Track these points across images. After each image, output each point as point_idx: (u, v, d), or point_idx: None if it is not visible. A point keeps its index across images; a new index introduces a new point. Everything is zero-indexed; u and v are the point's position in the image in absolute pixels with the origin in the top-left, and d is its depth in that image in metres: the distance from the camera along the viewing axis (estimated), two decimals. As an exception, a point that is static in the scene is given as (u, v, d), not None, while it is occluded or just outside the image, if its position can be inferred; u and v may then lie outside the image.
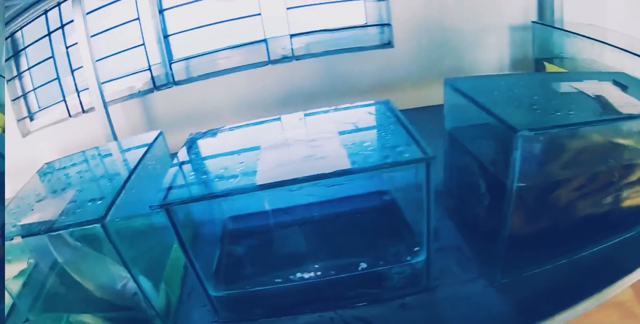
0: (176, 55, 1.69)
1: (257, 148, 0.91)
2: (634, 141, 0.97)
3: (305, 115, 1.07)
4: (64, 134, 1.70)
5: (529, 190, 0.89)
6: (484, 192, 0.95)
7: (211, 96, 1.66)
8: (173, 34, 1.65)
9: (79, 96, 1.71)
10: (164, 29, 1.67)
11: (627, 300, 1.72)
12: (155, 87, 1.66)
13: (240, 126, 1.08)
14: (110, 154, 1.14)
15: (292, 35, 1.64)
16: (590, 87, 1.01)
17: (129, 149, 1.14)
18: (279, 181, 0.76)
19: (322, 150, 0.86)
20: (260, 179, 0.76)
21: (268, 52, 1.63)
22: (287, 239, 1.04)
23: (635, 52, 1.38)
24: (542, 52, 1.74)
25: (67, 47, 1.69)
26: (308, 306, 0.91)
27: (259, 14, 1.60)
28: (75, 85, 1.69)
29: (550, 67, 1.68)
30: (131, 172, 0.92)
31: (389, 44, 1.69)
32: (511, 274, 0.95)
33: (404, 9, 1.66)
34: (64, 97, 1.70)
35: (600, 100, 0.94)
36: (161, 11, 1.66)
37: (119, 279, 0.83)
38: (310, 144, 0.91)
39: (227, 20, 1.61)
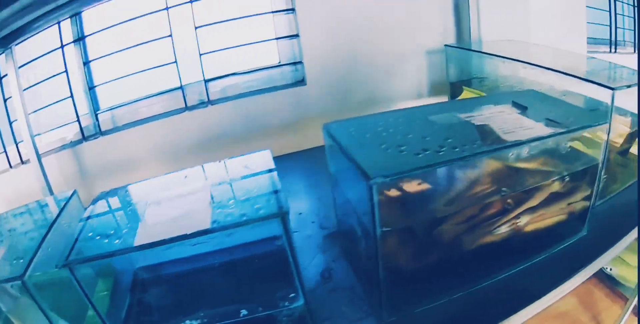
0: (103, 106, 1.68)
1: (144, 207, 0.95)
2: (527, 165, 0.97)
3: (204, 164, 1.11)
4: (7, 184, 1.70)
5: (401, 231, 0.89)
6: (360, 235, 0.95)
7: (136, 144, 1.67)
8: (96, 86, 1.65)
9: (17, 147, 1.69)
10: (90, 80, 1.67)
11: (571, 309, 1.72)
12: (84, 137, 1.65)
13: (143, 180, 1.11)
14: (33, 213, 1.17)
15: (206, 81, 1.64)
16: (481, 115, 1.01)
17: (47, 209, 1.18)
18: (144, 244, 0.80)
19: (193, 207, 0.90)
20: (138, 240, 0.81)
21: (185, 99, 1.63)
22: (179, 287, 1.06)
23: (544, 64, 1.38)
24: (457, 75, 1.74)
25: (4, 100, 1.69)
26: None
27: (175, 62, 1.60)
28: (14, 136, 1.68)
29: (467, 91, 1.68)
30: (46, 233, 0.97)
31: (302, 82, 1.69)
32: (400, 312, 0.95)
33: (315, 45, 1.66)
34: (4, 148, 1.70)
35: (483, 129, 0.94)
36: (86, 63, 1.66)
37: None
38: (186, 200, 0.94)
39: (145, 70, 1.61)
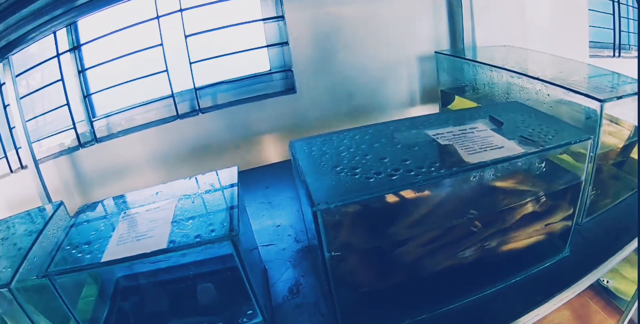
0: (99, 113, 1.67)
1: (116, 222, 0.96)
2: (498, 185, 0.91)
3: (176, 181, 1.09)
4: (8, 188, 1.71)
5: (353, 255, 0.84)
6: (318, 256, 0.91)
7: (130, 151, 1.66)
8: (92, 94, 1.64)
9: (17, 153, 1.71)
10: (86, 88, 1.66)
11: (564, 321, 1.64)
12: (80, 144, 1.64)
13: (121, 196, 1.11)
14: (23, 223, 1.17)
15: (197, 89, 1.61)
16: (451, 132, 0.95)
17: (35, 219, 1.17)
18: (108, 261, 0.82)
19: (157, 225, 0.91)
20: (105, 255, 0.84)
21: (176, 107, 1.61)
22: (149, 299, 1.06)
23: (533, 73, 1.31)
24: (449, 83, 1.67)
25: (4, 107, 1.71)
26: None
27: (166, 70, 1.57)
28: (14, 142, 1.69)
29: (459, 99, 1.61)
30: (33, 243, 0.98)
31: (292, 89, 1.64)
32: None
33: (305, 53, 1.62)
34: (5, 153, 1.71)
35: (446, 150, 0.89)
36: (81, 71, 1.65)
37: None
38: (153, 217, 0.95)
39: (137, 79, 1.59)
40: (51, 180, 1.67)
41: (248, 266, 0.97)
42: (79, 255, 0.87)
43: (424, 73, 1.76)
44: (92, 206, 1.09)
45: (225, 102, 1.66)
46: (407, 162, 0.82)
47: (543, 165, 0.92)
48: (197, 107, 1.64)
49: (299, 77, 1.66)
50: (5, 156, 1.74)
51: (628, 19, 1.86)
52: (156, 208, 0.99)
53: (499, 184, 0.88)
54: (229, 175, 1.02)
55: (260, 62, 1.70)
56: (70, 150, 1.71)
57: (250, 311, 0.92)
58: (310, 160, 0.88)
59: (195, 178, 1.06)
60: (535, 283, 0.99)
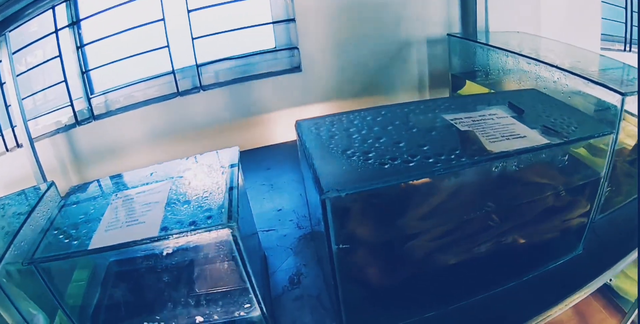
0: (97, 90, 1.57)
1: (106, 206, 0.88)
2: (517, 178, 0.81)
3: (172, 161, 1.00)
4: (4, 167, 1.61)
5: (362, 248, 0.75)
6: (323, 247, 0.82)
7: (128, 129, 1.56)
8: (91, 70, 1.54)
9: (13, 131, 1.61)
10: (85, 64, 1.56)
11: (564, 319, 1.57)
12: (77, 122, 1.55)
13: (114, 177, 1.02)
14: (12, 205, 1.08)
15: (198, 65, 1.51)
16: (469, 118, 0.86)
17: (25, 200, 1.09)
18: (94, 249, 0.74)
19: (149, 209, 0.82)
20: (93, 242, 0.76)
21: (177, 84, 1.51)
22: (141, 286, 0.95)
23: (551, 61, 1.21)
24: (460, 67, 1.56)
25: (1, 84, 1.61)
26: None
27: (167, 46, 1.47)
28: (10, 120, 1.59)
29: (470, 84, 1.51)
30: (20, 227, 0.89)
31: (297, 68, 1.54)
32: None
33: (312, 31, 1.51)
34: (0, 131, 1.60)
35: (467, 137, 0.79)
36: (80, 47, 1.55)
37: (29, 315, 0.85)
38: (145, 201, 0.86)
39: (138, 54, 1.48)
40: (47, 159, 1.58)
41: (247, 254, 0.89)
42: (66, 241, 0.80)
43: (434, 57, 1.65)
44: (83, 187, 1.00)
45: (227, 80, 1.55)
46: (425, 148, 0.73)
47: (566, 158, 0.83)
48: (199, 84, 1.54)
49: (305, 56, 1.55)
50: (1, 134, 1.64)
51: (640, 13, 1.76)
52: (150, 190, 0.90)
53: (519, 176, 0.79)
54: (230, 155, 0.91)
55: (266, 40, 1.59)
56: (67, 128, 1.61)
57: (248, 304, 0.82)
58: (318, 142, 0.78)
59: (195, 158, 0.96)
60: (547, 282, 0.91)
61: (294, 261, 1.03)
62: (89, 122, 1.59)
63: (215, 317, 0.85)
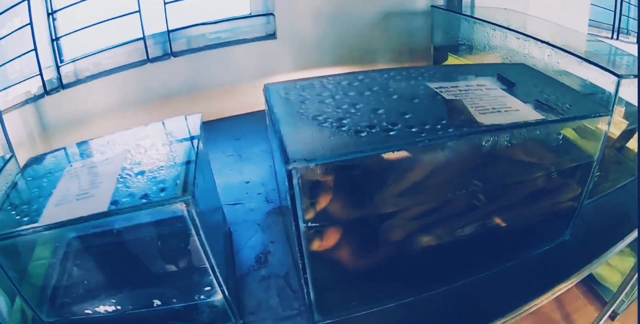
0: (67, 57, 1.44)
1: (59, 178, 0.78)
2: (507, 155, 0.72)
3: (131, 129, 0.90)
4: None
5: (334, 227, 0.65)
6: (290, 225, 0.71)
7: (98, 97, 1.44)
8: (61, 37, 1.40)
9: (-22, 101, 1.47)
10: (55, 32, 1.42)
11: (543, 305, 1.49)
12: (46, 91, 1.41)
13: (72, 146, 0.92)
14: None
15: (170, 31, 1.38)
16: (456, 87, 0.76)
17: None
18: (40, 226, 0.65)
19: (101, 182, 0.73)
20: (43, 218, 0.67)
21: (147, 50, 1.38)
22: (100, 265, 0.85)
23: (541, 38, 1.10)
24: (443, 40, 1.46)
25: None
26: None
27: (138, 11, 1.34)
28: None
29: (452, 58, 1.41)
30: None
31: (272, 35, 1.42)
32: (334, 316, 0.74)
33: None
34: (-28, 103, 1.48)
35: (454, 106, 0.69)
36: (51, 13, 1.41)
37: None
38: (98, 172, 0.77)
39: (108, 20, 1.35)
40: (17, 131, 1.44)
41: (208, 230, 0.78)
42: (17, 217, 0.71)
43: (416, 29, 1.52)
44: (39, 159, 0.90)
45: (199, 47, 1.42)
46: (407, 116, 0.62)
47: (560, 137, 0.74)
48: (170, 51, 1.41)
49: (280, 23, 1.42)
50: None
51: (630, 4, 1.67)
52: (104, 161, 0.79)
53: (509, 153, 0.69)
54: (192, 123, 0.80)
55: (241, 6, 1.47)
56: (36, 98, 1.48)
57: (209, 287, 0.72)
58: (288, 107, 0.67)
59: (155, 125, 0.86)
60: (532, 270, 0.82)
61: (261, 238, 0.93)
62: (58, 91, 1.46)
63: (174, 300, 0.75)
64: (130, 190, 0.67)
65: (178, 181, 0.65)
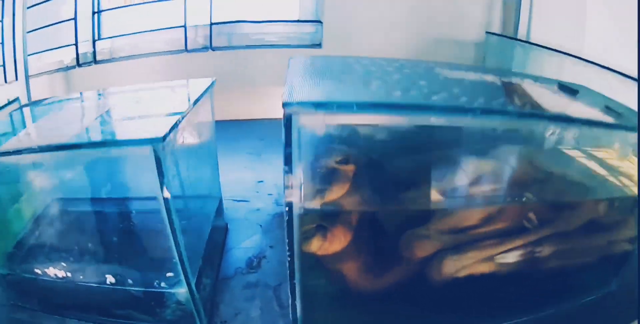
0: (105, 34, 1.39)
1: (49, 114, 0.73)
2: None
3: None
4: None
5: (341, 226, 0.51)
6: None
7: (127, 78, 1.36)
8: (102, 11, 1.35)
9: (15, 64, 1.42)
10: (97, 4, 1.38)
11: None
12: (79, 63, 1.37)
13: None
14: None
15: (212, 24, 1.31)
16: (512, 83, 0.62)
17: None
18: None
19: (77, 119, 0.68)
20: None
21: (186, 40, 1.32)
22: (71, 230, 0.74)
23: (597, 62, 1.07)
24: (495, 66, 1.34)
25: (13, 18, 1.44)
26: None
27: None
28: (15, 53, 1.42)
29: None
30: None
31: (318, 45, 1.32)
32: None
33: (340, 4, 1.29)
34: (4, 63, 1.43)
35: (513, 89, 0.55)
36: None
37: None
38: (87, 113, 0.73)
39: (153, 1, 1.29)
40: (41, 95, 1.39)
41: (187, 211, 0.65)
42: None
43: (466, 57, 1.42)
44: (43, 100, 0.85)
45: (240, 45, 1.34)
46: (455, 90, 0.48)
47: (630, 154, 0.58)
48: (210, 44, 1.33)
49: (328, 32, 1.33)
50: (3, 66, 1.47)
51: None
52: (97, 104, 0.74)
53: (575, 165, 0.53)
54: (201, 85, 0.71)
55: (290, 12, 1.39)
56: (67, 68, 1.43)
57: (171, 273, 0.58)
58: (309, 71, 0.55)
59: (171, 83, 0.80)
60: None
61: (260, 240, 0.79)
62: (90, 65, 1.41)
63: (129, 280, 0.61)
64: (103, 128, 0.60)
65: (153, 130, 0.53)
